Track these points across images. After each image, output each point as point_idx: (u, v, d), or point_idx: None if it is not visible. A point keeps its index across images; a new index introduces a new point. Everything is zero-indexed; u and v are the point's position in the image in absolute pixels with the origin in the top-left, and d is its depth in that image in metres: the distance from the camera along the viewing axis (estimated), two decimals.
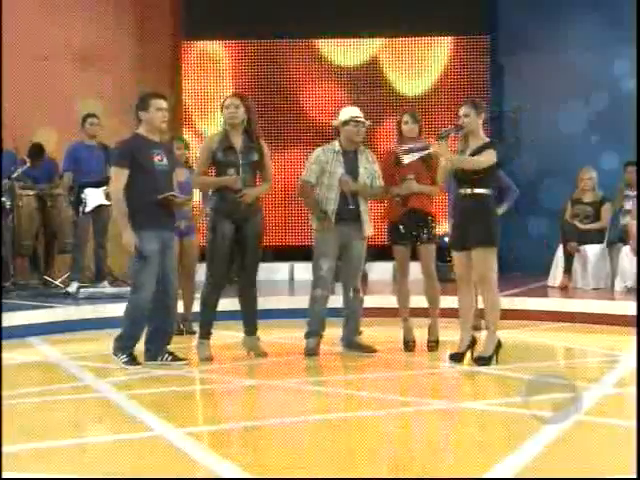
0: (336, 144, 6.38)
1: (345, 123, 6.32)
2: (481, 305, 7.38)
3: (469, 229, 5.79)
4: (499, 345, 5.86)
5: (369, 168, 6.39)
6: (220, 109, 6.20)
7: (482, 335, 7.37)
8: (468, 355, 5.93)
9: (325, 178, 6.30)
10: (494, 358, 5.81)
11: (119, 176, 5.76)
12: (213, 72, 11.24)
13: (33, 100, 10.11)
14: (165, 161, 5.87)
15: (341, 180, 6.26)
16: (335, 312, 6.53)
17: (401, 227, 6.40)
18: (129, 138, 5.90)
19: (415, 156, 6.16)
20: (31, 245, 9.29)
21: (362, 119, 6.33)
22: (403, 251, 6.47)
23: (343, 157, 6.33)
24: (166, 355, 5.88)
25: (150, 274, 5.76)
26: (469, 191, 5.81)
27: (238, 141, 6.13)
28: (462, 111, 5.86)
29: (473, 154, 5.82)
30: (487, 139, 5.92)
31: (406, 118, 6.47)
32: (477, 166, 5.75)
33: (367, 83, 11.20)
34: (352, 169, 6.32)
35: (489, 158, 5.76)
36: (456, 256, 5.94)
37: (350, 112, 6.37)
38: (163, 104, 5.85)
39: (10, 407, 4.61)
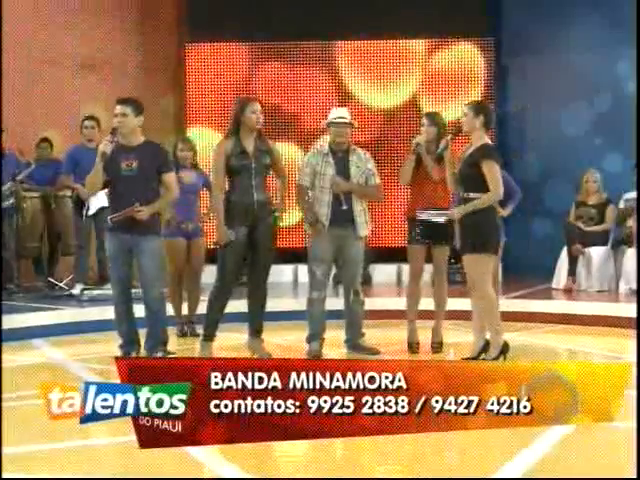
0: (325, 146, 6.38)
1: (329, 124, 6.33)
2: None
3: (462, 235, 5.78)
4: (506, 348, 5.81)
5: (362, 167, 6.35)
6: (236, 112, 6.08)
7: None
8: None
9: (317, 180, 6.28)
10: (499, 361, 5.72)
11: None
12: (217, 74, 11.24)
13: (38, 104, 10.13)
14: (135, 165, 5.85)
15: (332, 181, 6.25)
16: (337, 314, 6.51)
17: (420, 227, 6.33)
18: None
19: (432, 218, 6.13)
20: (35, 247, 9.30)
21: (346, 120, 6.31)
22: (419, 251, 6.43)
23: (333, 158, 6.30)
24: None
25: (113, 274, 5.98)
26: (465, 195, 5.74)
27: (250, 145, 6.11)
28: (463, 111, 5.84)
29: (470, 156, 5.73)
30: (484, 141, 5.72)
31: (423, 120, 6.48)
32: (496, 197, 5.63)
33: (370, 84, 11.20)
34: (343, 169, 6.28)
35: (494, 176, 5.61)
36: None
37: (335, 113, 6.37)
38: (117, 109, 5.89)
39: (14, 409, 4.61)
